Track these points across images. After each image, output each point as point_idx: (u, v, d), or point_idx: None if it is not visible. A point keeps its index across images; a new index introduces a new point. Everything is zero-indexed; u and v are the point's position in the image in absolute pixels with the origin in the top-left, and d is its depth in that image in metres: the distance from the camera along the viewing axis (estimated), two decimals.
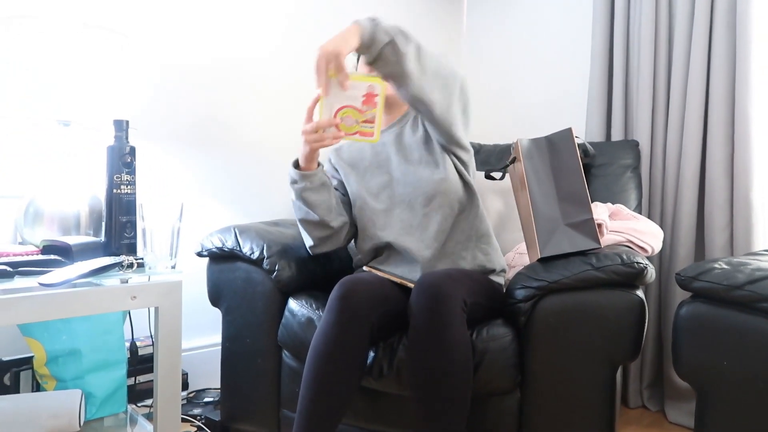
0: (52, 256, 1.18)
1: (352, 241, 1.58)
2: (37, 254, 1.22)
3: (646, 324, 1.22)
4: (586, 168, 1.89)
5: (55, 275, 1.06)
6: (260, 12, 2.05)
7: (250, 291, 1.52)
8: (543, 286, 1.23)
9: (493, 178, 1.66)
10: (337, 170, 1.58)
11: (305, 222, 1.44)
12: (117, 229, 1.25)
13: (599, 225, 1.42)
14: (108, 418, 1.47)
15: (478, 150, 2.16)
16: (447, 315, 1.15)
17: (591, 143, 1.95)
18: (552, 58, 2.41)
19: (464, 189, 1.46)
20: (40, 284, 1.04)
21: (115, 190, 1.25)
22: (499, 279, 1.51)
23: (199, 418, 1.69)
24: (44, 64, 1.29)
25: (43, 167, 1.59)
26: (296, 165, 1.40)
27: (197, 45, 1.90)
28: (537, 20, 2.46)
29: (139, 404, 1.68)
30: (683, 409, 1.89)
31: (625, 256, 1.21)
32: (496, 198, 1.92)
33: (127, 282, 1.19)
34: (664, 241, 1.93)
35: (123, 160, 1.25)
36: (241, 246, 1.51)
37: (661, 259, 1.98)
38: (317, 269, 1.56)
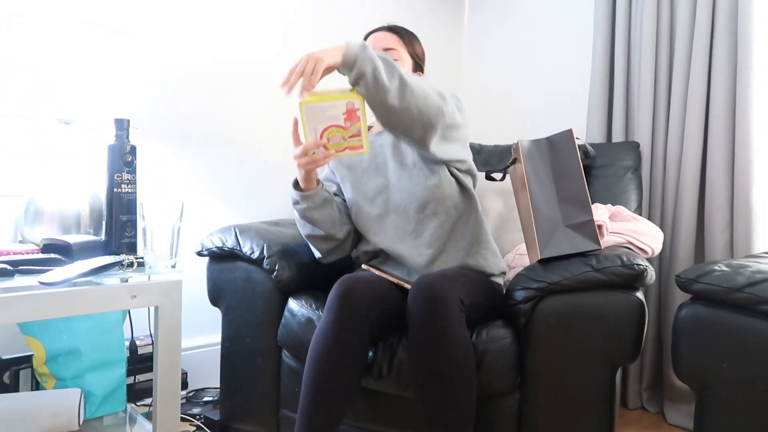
0: (53, 255, 1.18)
1: None
2: (38, 253, 1.22)
3: (646, 325, 1.22)
4: (587, 169, 1.89)
5: (56, 274, 1.06)
6: (262, 12, 2.05)
7: (249, 291, 1.52)
8: (543, 288, 1.23)
9: (493, 179, 1.66)
10: (334, 173, 1.58)
11: (311, 237, 1.45)
12: (117, 228, 1.25)
13: (599, 226, 1.42)
14: (107, 417, 1.47)
15: (479, 151, 2.16)
16: (445, 315, 1.15)
17: (591, 144, 1.96)
18: (553, 59, 2.41)
19: (461, 194, 1.45)
20: (40, 283, 1.04)
21: (115, 189, 1.25)
22: (499, 280, 1.51)
23: (198, 417, 1.69)
24: (45, 63, 1.29)
25: (43, 166, 1.59)
26: (296, 185, 1.39)
27: (199, 44, 1.90)
28: (538, 21, 2.46)
29: (138, 403, 1.68)
30: (682, 411, 1.89)
31: (625, 258, 1.21)
32: (496, 199, 1.92)
33: (127, 281, 1.19)
34: (664, 243, 1.93)
35: (124, 159, 1.25)
36: (242, 246, 1.51)
37: (661, 261, 1.98)
38: (317, 269, 1.56)
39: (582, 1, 2.31)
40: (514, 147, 1.43)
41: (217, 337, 1.97)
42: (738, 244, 1.77)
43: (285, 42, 2.12)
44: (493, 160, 2.09)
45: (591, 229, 1.27)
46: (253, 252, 1.48)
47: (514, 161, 1.45)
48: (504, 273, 1.54)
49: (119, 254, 1.22)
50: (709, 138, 1.84)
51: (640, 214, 1.84)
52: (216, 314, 1.94)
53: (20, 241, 1.40)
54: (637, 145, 1.95)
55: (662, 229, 1.91)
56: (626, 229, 1.50)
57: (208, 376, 1.95)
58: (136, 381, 1.67)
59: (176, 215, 1.25)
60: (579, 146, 1.45)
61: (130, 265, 1.17)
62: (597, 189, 1.87)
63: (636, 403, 2.03)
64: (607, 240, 1.44)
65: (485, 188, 1.90)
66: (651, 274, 1.22)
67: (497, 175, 1.56)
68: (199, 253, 1.59)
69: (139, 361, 1.68)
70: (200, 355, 1.94)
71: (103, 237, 1.27)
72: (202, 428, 1.64)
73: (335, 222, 1.44)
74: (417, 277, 1.32)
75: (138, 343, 1.70)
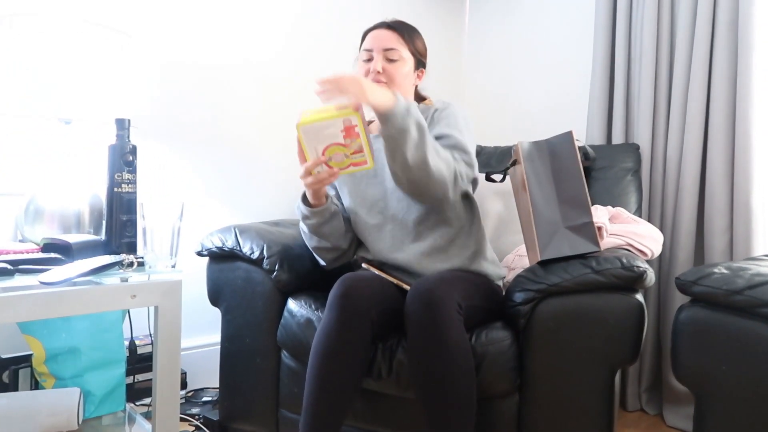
0: (53, 254, 1.18)
1: None
2: (38, 252, 1.22)
3: (645, 328, 1.23)
4: (587, 171, 1.89)
5: (56, 273, 1.06)
6: (263, 13, 2.05)
7: (249, 291, 1.52)
8: (543, 289, 1.23)
9: (493, 180, 1.66)
10: None
11: (318, 249, 1.45)
12: (117, 228, 1.25)
13: (599, 228, 1.42)
14: (106, 416, 1.47)
15: (479, 152, 2.16)
16: (442, 319, 1.15)
17: (591, 146, 1.96)
18: (553, 61, 2.41)
19: (463, 204, 1.44)
20: (41, 282, 1.04)
21: (116, 189, 1.25)
22: (498, 282, 1.51)
23: (197, 417, 1.69)
24: (45, 63, 1.29)
25: (44, 165, 1.59)
26: (305, 200, 1.38)
27: (200, 44, 1.91)
28: (538, 22, 2.46)
29: (137, 403, 1.68)
30: (681, 413, 1.89)
31: (624, 260, 1.21)
32: (496, 200, 1.92)
33: (127, 281, 1.19)
34: (663, 245, 1.93)
35: (124, 159, 1.25)
36: (241, 246, 1.51)
37: (661, 263, 1.98)
38: (317, 270, 1.56)
39: (583, 3, 2.32)
40: (514, 148, 1.43)
41: (216, 337, 1.97)
42: (738, 247, 1.77)
43: (286, 42, 2.12)
44: (493, 161, 2.09)
45: (591, 231, 1.27)
46: (253, 252, 1.48)
47: (514, 163, 1.45)
48: (503, 278, 1.54)
49: (119, 254, 1.22)
50: (709, 140, 1.84)
51: (640, 216, 1.84)
52: (216, 314, 1.93)
53: (20, 241, 1.40)
54: (637, 147, 1.95)
55: (662, 231, 1.91)
56: (626, 231, 1.51)
57: (208, 376, 1.95)
58: (136, 381, 1.67)
59: (176, 215, 1.25)
60: (579, 148, 1.45)
61: (130, 264, 1.17)
62: (597, 191, 1.87)
63: (635, 405, 2.03)
64: (606, 242, 1.45)
65: (485, 190, 1.90)
66: (651, 277, 1.22)
67: (497, 177, 1.56)
68: (199, 253, 1.59)
69: (139, 361, 1.68)
70: (200, 355, 1.94)
71: (103, 236, 1.27)
72: (202, 428, 1.64)
73: (342, 234, 1.45)
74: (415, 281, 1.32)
75: (137, 342, 1.70)
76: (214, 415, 1.68)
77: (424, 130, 1.24)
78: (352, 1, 2.31)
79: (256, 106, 2.06)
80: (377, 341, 1.30)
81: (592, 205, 1.70)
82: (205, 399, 1.81)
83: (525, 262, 1.63)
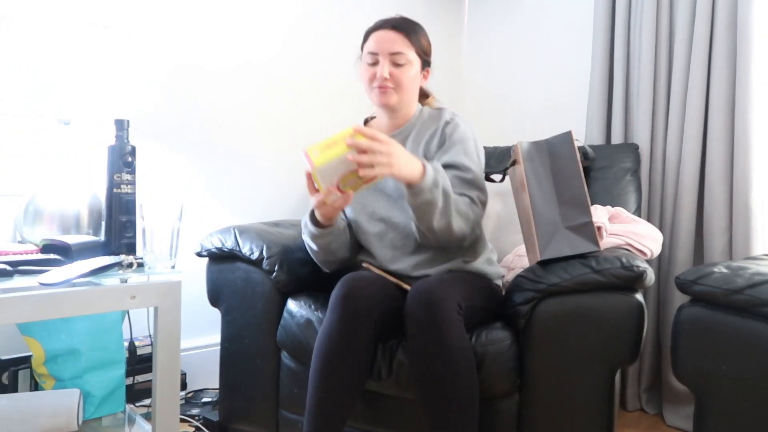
0: (52, 255, 1.18)
1: None
2: (37, 253, 1.22)
3: (645, 327, 1.22)
4: (586, 171, 1.89)
5: (55, 274, 1.06)
6: (262, 14, 2.05)
7: (249, 291, 1.52)
8: (542, 289, 1.23)
9: (492, 180, 1.66)
10: None
11: (325, 262, 1.45)
12: (117, 229, 1.25)
13: (599, 228, 1.42)
14: (106, 417, 1.47)
15: None
16: (442, 320, 1.15)
17: (591, 146, 1.96)
18: (552, 61, 2.41)
19: None
20: (40, 283, 1.04)
21: (115, 190, 1.25)
22: (498, 283, 1.51)
23: (197, 418, 1.69)
24: (45, 63, 1.29)
25: (43, 166, 1.59)
26: (314, 221, 1.36)
27: (199, 45, 1.90)
28: (538, 22, 2.46)
29: (137, 404, 1.67)
30: (681, 413, 1.89)
31: (624, 260, 1.21)
32: (495, 200, 1.92)
33: (126, 282, 1.19)
34: (663, 245, 1.92)
35: (123, 160, 1.25)
36: (241, 246, 1.50)
37: (660, 263, 1.98)
38: (317, 270, 1.55)
39: (582, 3, 2.32)
40: (513, 148, 1.43)
41: (216, 338, 1.96)
42: (737, 246, 1.77)
43: (285, 42, 2.12)
44: (492, 161, 2.09)
45: (590, 231, 1.27)
46: (252, 253, 1.48)
47: (513, 163, 1.45)
48: (502, 277, 1.53)
49: (119, 255, 1.22)
50: (709, 140, 1.84)
51: (640, 216, 1.84)
52: (215, 315, 1.93)
53: (20, 242, 1.40)
54: (636, 147, 1.95)
55: (661, 231, 1.90)
56: (625, 230, 1.51)
57: (208, 377, 1.95)
58: (135, 381, 1.67)
59: (176, 216, 1.24)
60: (578, 148, 1.45)
61: (130, 265, 1.17)
62: (596, 191, 1.87)
63: (635, 404, 2.03)
64: (606, 242, 1.45)
65: None
66: (650, 276, 1.22)
67: (496, 177, 1.56)
68: (199, 254, 1.59)
69: (138, 362, 1.68)
70: (199, 356, 1.94)
71: (102, 237, 1.27)
72: (201, 429, 1.64)
73: (348, 245, 1.45)
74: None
75: (137, 343, 1.69)
76: (214, 416, 1.68)
77: (449, 196, 1.27)
78: (352, 1, 2.31)
79: (256, 106, 2.06)
80: (377, 342, 1.30)
81: (592, 205, 1.70)
82: (205, 400, 1.81)
83: (525, 262, 1.62)
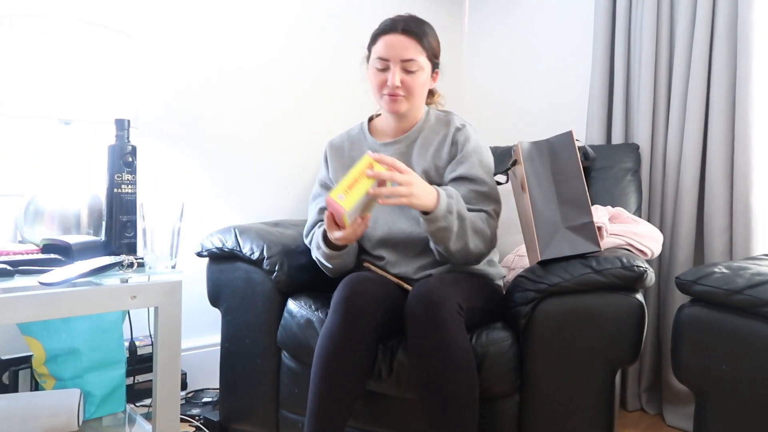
0: (53, 255, 1.18)
1: None
2: (38, 253, 1.22)
3: (646, 327, 1.22)
4: (587, 171, 1.89)
5: (55, 274, 1.06)
6: (263, 14, 2.05)
7: (249, 291, 1.52)
8: (543, 289, 1.23)
9: (499, 183, 1.66)
10: (334, 183, 1.52)
11: (336, 274, 1.44)
12: (117, 229, 1.25)
13: (599, 228, 1.42)
14: (107, 417, 1.47)
15: None
16: (443, 321, 1.15)
17: (591, 146, 1.96)
18: (553, 60, 2.41)
19: None
20: (40, 283, 1.04)
21: (115, 190, 1.25)
22: (498, 282, 1.51)
23: (197, 418, 1.69)
24: (45, 63, 1.29)
25: (43, 166, 1.59)
26: (327, 241, 1.35)
27: (199, 45, 1.90)
28: (538, 22, 2.46)
29: (137, 404, 1.67)
30: (681, 413, 1.89)
31: (625, 260, 1.21)
32: None
33: (127, 282, 1.19)
34: (663, 245, 1.93)
35: (124, 160, 1.25)
36: (241, 246, 1.51)
37: (661, 263, 1.98)
38: (317, 270, 1.55)
39: (582, 3, 2.32)
40: (514, 149, 1.43)
41: (216, 338, 1.97)
42: (737, 246, 1.77)
43: (286, 44, 2.12)
44: (493, 161, 2.09)
45: (591, 231, 1.27)
46: (253, 253, 1.48)
47: (514, 163, 1.45)
48: (503, 277, 1.53)
49: (119, 255, 1.22)
50: (709, 140, 1.84)
51: (640, 216, 1.84)
52: (216, 315, 1.93)
53: (20, 242, 1.40)
54: (636, 147, 1.95)
55: (662, 231, 1.91)
56: (626, 230, 1.51)
57: (208, 377, 1.95)
58: (136, 381, 1.67)
59: (176, 216, 1.24)
60: (579, 148, 1.45)
61: (130, 265, 1.17)
62: (597, 191, 1.88)
63: (635, 404, 2.03)
64: (606, 242, 1.45)
65: None
66: (651, 276, 1.22)
67: (501, 179, 1.55)
68: (199, 254, 1.59)
69: (139, 362, 1.68)
70: (200, 356, 1.94)
71: (103, 237, 1.27)
72: (202, 429, 1.64)
73: (355, 255, 1.44)
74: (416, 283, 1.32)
75: (137, 343, 1.69)
76: (215, 416, 1.68)
77: (464, 219, 1.28)
78: (353, 1, 2.31)
79: (256, 106, 2.06)
80: (382, 339, 1.30)
81: (592, 205, 1.70)
82: (205, 400, 1.81)
83: (525, 262, 1.62)
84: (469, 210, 1.33)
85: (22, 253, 1.19)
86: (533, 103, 2.47)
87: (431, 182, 1.40)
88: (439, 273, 1.37)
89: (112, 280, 1.17)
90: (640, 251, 1.48)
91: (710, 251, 1.83)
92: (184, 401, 1.81)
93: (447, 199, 1.26)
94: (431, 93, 1.53)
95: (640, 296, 1.22)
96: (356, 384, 1.21)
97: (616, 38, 2.07)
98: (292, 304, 1.46)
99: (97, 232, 1.40)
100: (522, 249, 1.70)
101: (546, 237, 1.28)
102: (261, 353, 1.51)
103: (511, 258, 1.75)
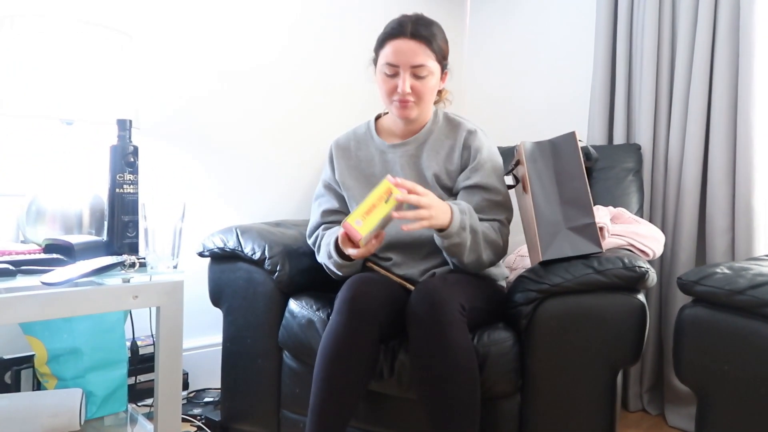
0: (55, 255, 1.18)
1: None
2: (40, 253, 1.22)
3: (647, 328, 1.22)
4: (588, 171, 1.89)
5: (57, 274, 1.06)
6: (264, 15, 2.05)
7: (251, 291, 1.52)
8: (544, 289, 1.23)
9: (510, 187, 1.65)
10: (339, 186, 1.51)
11: (345, 277, 1.43)
12: (119, 229, 1.25)
13: (601, 228, 1.42)
14: (108, 417, 1.47)
15: None
16: (445, 321, 1.15)
17: (593, 146, 1.96)
18: (555, 61, 2.41)
19: None
20: (42, 283, 1.04)
21: (117, 190, 1.25)
22: (501, 283, 1.50)
23: (199, 418, 1.69)
24: (47, 63, 1.29)
25: (45, 166, 1.59)
26: (339, 251, 1.35)
27: (200, 45, 1.91)
28: (540, 23, 2.46)
29: (139, 404, 1.68)
30: (683, 413, 1.89)
31: (626, 260, 1.21)
32: None
33: (128, 281, 1.19)
34: (665, 245, 1.93)
35: (126, 160, 1.25)
36: (243, 246, 1.51)
37: (662, 263, 1.98)
38: (318, 270, 1.56)
39: (584, 3, 2.32)
40: (516, 149, 1.43)
41: (218, 338, 1.97)
42: (739, 247, 1.77)
43: (287, 44, 2.12)
44: None
45: (593, 232, 1.27)
46: (254, 253, 1.48)
47: (517, 163, 1.45)
48: (506, 277, 1.53)
49: (121, 254, 1.22)
50: (711, 140, 1.84)
51: (642, 217, 1.84)
52: (217, 315, 1.94)
53: (22, 241, 1.40)
54: (638, 148, 1.95)
55: (663, 232, 1.91)
56: (627, 231, 1.50)
57: (209, 377, 1.95)
58: (137, 381, 1.67)
59: (178, 216, 1.25)
60: (581, 148, 1.45)
61: (132, 265, 1.17)
62: (598, 191, 1.87)
63: (637, 405, 2.03)
64: (608, 242, 1.44)
65: None
66: (652, 277, 1.22)
67: (509, 180, 1.54)
68: (201, 254, 1.59)
69: (141, 362, 1.68)
70: (201, 356, 1.94)
71: (104, 237, 1.27)
72: (203, 429, 1.64)
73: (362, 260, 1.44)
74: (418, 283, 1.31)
75: (139, 343, 1.70)
76: (216, 416, 1.68)
77: (477, 233, 1.30)
78: (353, 1, 2.31)
79: (257, 106, 2.06)
80: (386, 340, 1.30)
81: (594, 205, 1.70)
82: (206, 399, 1.81)
83: (527, 263, 1.62)
84: (482, 219, 1.35)
85: (25, 253, 1.19)
86: (534, 103, 2.47)
87: (443, 186, 1.41)
88: (442, 273, 1.37)
89: (113, 280, 1.17)
90: (642, 252, 1.48)
91: (712, 252, 1.83)
92: (185, 401, 1.81)
93: (460, 215, 1.27)
94: (438, 92, 1.52)
95: (641, 297, 1.22)
96: (359, 385, 1.21)
97: (618, 38, 2.07)
98: (293, 304, 1.46)
99: (99, 232, 1.40)
100: (524, 249, 1.70)
101: (548, 237, 1.28)
102: (262, 353, 1.51)
103: (512, 258, 1.75)
